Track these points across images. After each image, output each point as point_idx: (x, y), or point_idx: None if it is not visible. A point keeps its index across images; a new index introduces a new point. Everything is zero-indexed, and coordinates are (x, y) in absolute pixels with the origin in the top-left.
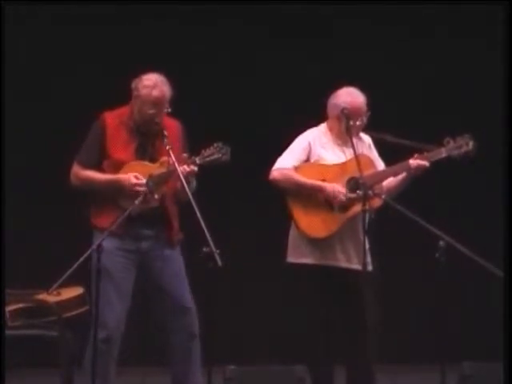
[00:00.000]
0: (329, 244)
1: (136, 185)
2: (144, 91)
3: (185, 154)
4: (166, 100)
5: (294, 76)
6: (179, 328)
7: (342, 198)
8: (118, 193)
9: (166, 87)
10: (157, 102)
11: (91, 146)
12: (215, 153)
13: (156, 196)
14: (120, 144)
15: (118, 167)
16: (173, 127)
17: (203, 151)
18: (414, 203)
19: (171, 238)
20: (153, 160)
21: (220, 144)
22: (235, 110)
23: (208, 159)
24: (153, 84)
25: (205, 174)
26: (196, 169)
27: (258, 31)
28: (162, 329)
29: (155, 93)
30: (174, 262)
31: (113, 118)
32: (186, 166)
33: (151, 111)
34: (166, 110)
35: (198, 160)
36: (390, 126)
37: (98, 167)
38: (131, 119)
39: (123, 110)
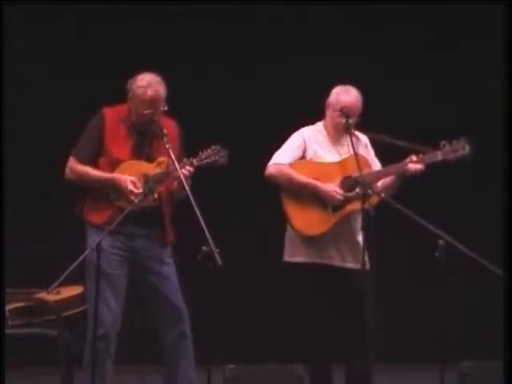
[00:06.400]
0: (323, 242)
1: (131, 192)
2: (139, 91)
3: (184, 159)
4: (161, 99)
5: (294, 75)
6: (171, 328)
7: (339, 197)
8: (112, 191)
9: (161, 86)
10: (152, 102)
11: (89, 141)
12: (213, 155)
13: (156, 195)
14: (118, 141)
15: (114, 165)
16: (169, 127)
17: (201, 153)
18: (414, 203)
19: (164, 238)
20: (149, 159)
21: (218, 147)
22: (233, 109)
23: (205, 161)
24: (147, 84)
25: (204, 174)
26: (192, 170)
27: (255, 31)
28: (155, 328)
29: (150, 92)
30: (166, 263)
31: (112, 115)
32: (183, 170)
33: (147, 111)
34: (162, 109)
35: (195, 162)
36: (388, 126)
37: (94, 162)
38: (130, 118)
39: (122, 108)
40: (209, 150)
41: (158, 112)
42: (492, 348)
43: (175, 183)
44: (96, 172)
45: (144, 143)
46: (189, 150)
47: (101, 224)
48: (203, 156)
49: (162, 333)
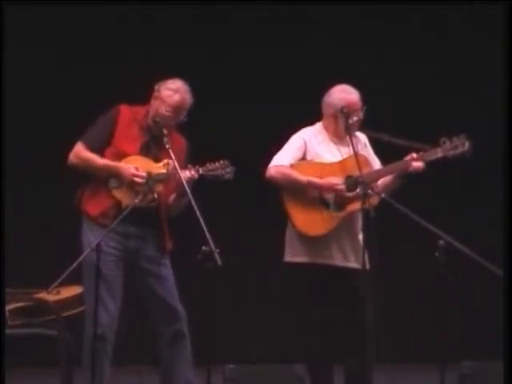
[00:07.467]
0: (325, 242)
1: (134, 175)
2: (166, 93)
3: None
4: (185, 107)
5: (294, 75)
6: (169, 328)
7: (341, 187)
8: (113, 179)
9: (189, 95)
10: (176, 107)
11: (99, 131)
12: (219, 169)
13: (155, 195)
14: (128, 137)
15: (120, 157)
16: (177, 140)
17: (208, 164)
18: (414, 203)
19: (161, 243)
20: (156, 160)
21: (226, 162)
22: (233, 109)
23: (211, 173)
24: (176, 88)
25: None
26: (196, 176)
27: (256, 32)
28: (153, 328)
29: (176, 97)
30: (164, 264)
31: (128, 112)
32: (187, 172)
33: (168, 113)
34: (182, 118)
35: (201, 170)
36: (387, 124)
37: (100, 152)
38: (145, 119)
39: (140, 109)
40: (216, 164)
41: (175, 119)
42: (492, 348)
43: (173, 196)
44: (100, 159)
45: (153, 145)
46: (190, 149)
47: (96, 216)
48: (209, 167)
49: (160, 333)
